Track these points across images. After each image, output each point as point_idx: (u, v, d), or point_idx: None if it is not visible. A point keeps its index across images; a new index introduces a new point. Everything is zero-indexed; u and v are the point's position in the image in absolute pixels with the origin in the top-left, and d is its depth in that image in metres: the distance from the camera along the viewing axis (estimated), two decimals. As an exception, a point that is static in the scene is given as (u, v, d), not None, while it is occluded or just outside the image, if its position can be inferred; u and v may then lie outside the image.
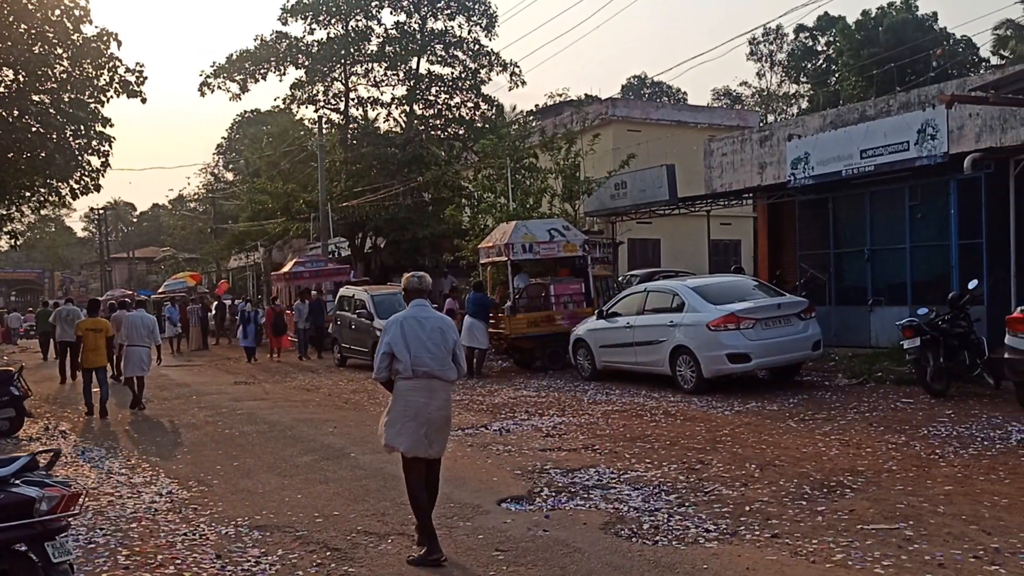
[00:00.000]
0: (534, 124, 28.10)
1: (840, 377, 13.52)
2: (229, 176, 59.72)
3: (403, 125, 33.56)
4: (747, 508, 6.67)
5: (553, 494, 7.45)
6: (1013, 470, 7.44)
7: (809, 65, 49.15)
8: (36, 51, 11.80)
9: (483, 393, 14.43)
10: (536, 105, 40.64)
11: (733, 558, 5.55)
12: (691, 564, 5.47)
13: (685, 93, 59.54)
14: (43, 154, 12.29)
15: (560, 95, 54.95)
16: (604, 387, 14.09)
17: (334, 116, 33.62)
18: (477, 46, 33.27)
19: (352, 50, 32.43)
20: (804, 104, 48.61)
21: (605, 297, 18.34)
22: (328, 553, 6.13)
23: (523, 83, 34.21)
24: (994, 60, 39.65)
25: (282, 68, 32.87)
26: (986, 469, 7.52)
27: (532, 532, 6.33)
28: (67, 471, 9.45)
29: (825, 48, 48.26)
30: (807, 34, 49.00)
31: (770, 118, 45.98)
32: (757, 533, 6.05)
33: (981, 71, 18.58)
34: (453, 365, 6.21)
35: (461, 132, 32.87)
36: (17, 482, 4.47)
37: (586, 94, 35.70)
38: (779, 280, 17.95)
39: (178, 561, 6.05)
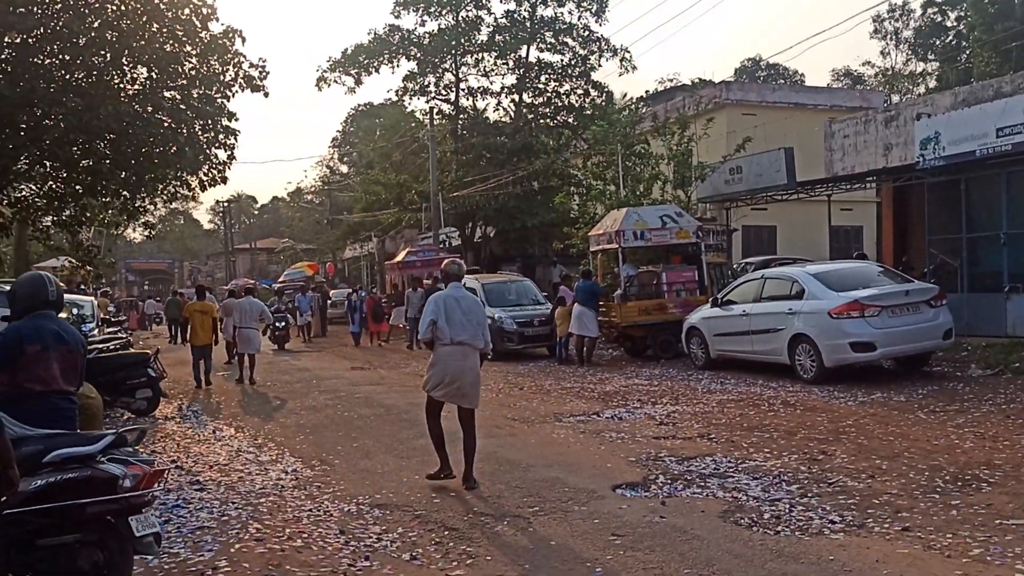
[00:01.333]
0: (645, 110, 27.71)
1: (973, 368, 12.85)
2: (344, 169, 61.38)
3: (512, 114, 33.71)
4: (875, 500, 6.42)
5: (669, 481, 7.36)
6: None
7: (938, 42, 46.85)
8: (167, 49, 12.33)
9: (594, 381, 14.38)
10: (647, 91, 40.15)
11: (861, 550, 5.35)
12: (816, 555, 5.30)
13: (802, 75, 57.63)
14: (174, 148, 12.83)
15: (671, 80, 54.13)
16: (718, 376, 13.83)
17: (445, 107, 34.06)
18: (587, 32, 33.04)
19: (462, 40, 32.73)
20: (932, 83, 46.38)
21: (719, 285, 17.99)
22: (446, 532, 6.23)
23: (634, 68, 33.75)
24: None
25: (395, 61, 33.45)
26: None
27: (648, 518, 6.27)
28: (200, 448, 9.93)
29: (955, 24, 45.88)
30: (935, 9, 46.70)
31: (894, 98, 44.01)
32: (886, 526, 5.81)
33: None
34: (481, 336, 7.68)
35: (570, 120, 32.76)
36: (103, 459, 4.70)
37: (699, 78, 35.06)
38: (905, 267, 17.22)
39: (304, 535, 6.26)
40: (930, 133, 15.60)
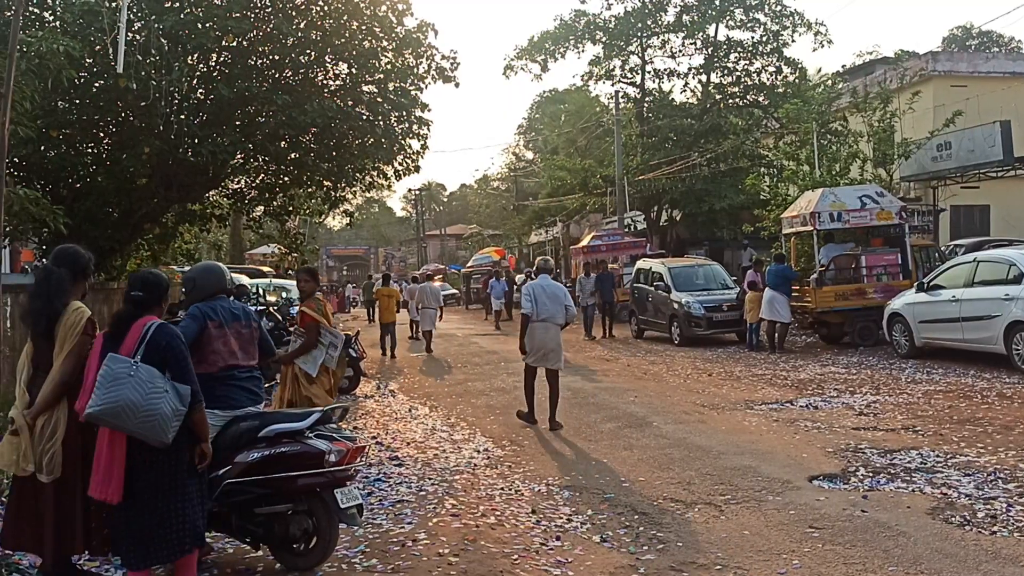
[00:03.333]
0: (842, 85, 26.28)
1: None
2: (529, 155, 62.20)
3: (700, 95, 32.96)
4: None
5: (870, 475, 7.03)
6: None
7: None
8: (366, 45, 12.94)
9: (787, 368, 13.92)
10: (843, 65, 38.00)
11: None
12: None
13: (1020, 42, 52.66)
14: (372, 140, 13.45)
15: (871, 52, 50.94)
16: (924, 365, 13.01)
17: (630, 90, 33.80)
18: (779, 6, 31.73)
19: (648, 22, 32.31)
20: None
21: (925, 268, 16.87)
22: (636, 516, 6.25)
23: (829, 42, 32.12)
24: None
25: (580, 46, 33.52)
26: None
27: (848, 512, 6.02)
28: (398, 425, 10.45)
29: None
30: None
31: None
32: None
33: None
34: (563, 313, 9.86)
35: (761, 99, 31.63)
36: (311, 435, 5.01)
37: (902, 49, 32.72)
38: None
39: (497, 512, 6.47)
40: None
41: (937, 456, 7.49)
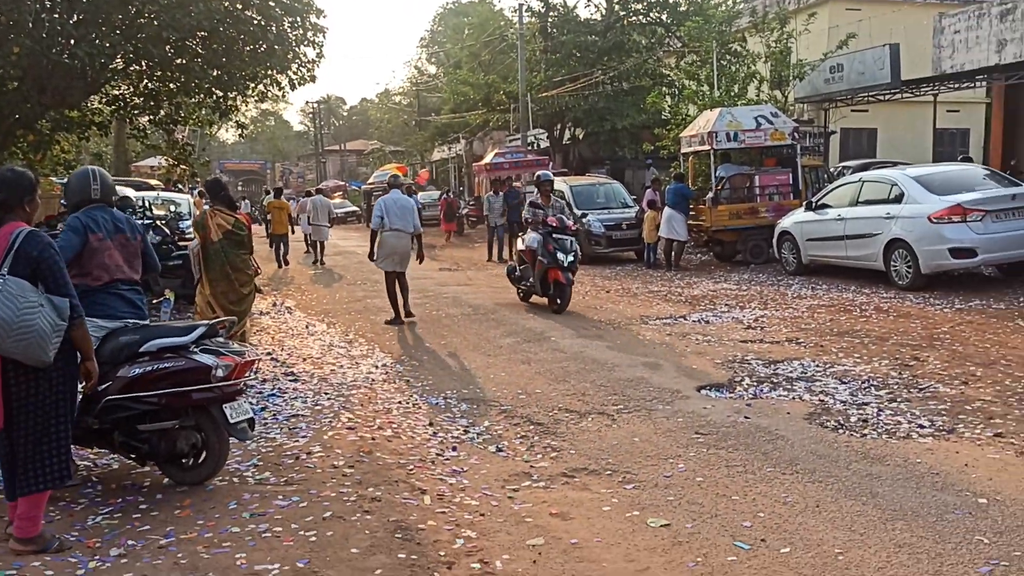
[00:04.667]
0: (743, 5, 26.50)
1: (1082, 277, 12.28)
2: (432, 69, 60.93)
3: (603, 11, 32.70)
4: (967, 407, 6.29)
5: (755, 384, 7.34)
6: None
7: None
8: (256, -57, 12.28)
9: (681, 285, 14.29)
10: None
11: (950, 454, 5.28)
12: (902, 458, 5.26)
13: (913, -34, 53.82)
14: (264, 46, 12.88)
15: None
16: (810, 281, 13.56)
17: (534, 3, 33.21)
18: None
19: (553, -66, 31.65)
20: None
21: (814, 188, 17.43)
22: (531, 427, 6.39)
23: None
24: None
25: (484, -44, 32.66)
26: None
27: (733, 418, 6.29)
28: (294, 342, 10.33)
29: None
30: None
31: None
32: (977, 432, 5.71)
33: None
34: (411, 225, 11.18)
35: (664, 17, 31.62)
36: (196, 350, 4.89)
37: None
38: (1014, 170, 16.36)
39: (394, 425, 6.51)
40: (1052, 26, 14.53)
41: (817, 366, 7.86)
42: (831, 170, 20.43)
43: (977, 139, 26.89)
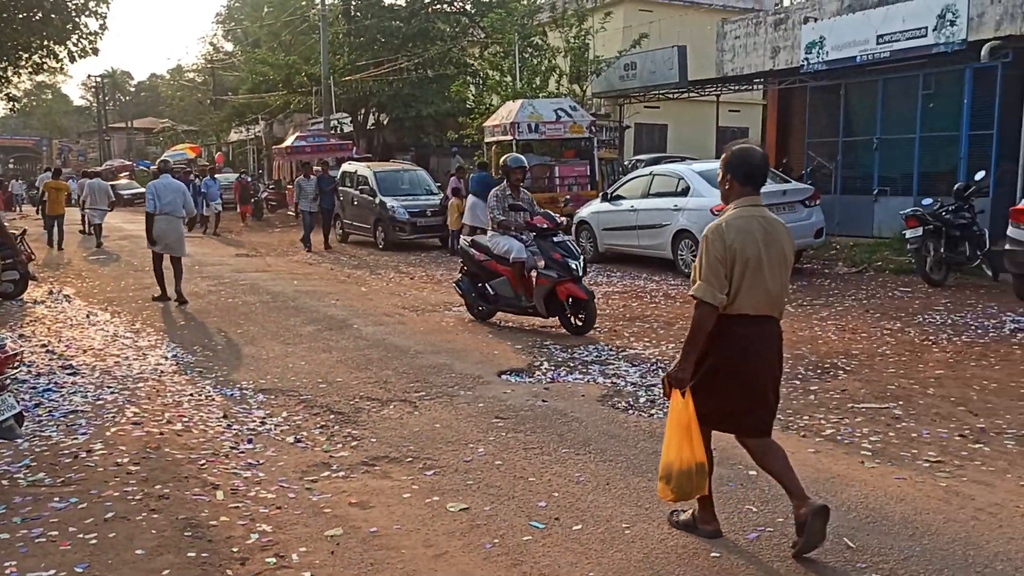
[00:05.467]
0: (543, 1, 27.22)
1: (840, 265, 13.59)
2: (229, 46, 58.28)
3: (408, -3, 32.56)
4: (742, 386, 6.80)
5: (552, 368, 7.59)
6: (1005, 357, 7.56)
7: (830, -54, 47.33)
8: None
9: (484, 271, 14.52)
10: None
11: (726, 431, 5.70)
12: (685, 435, 5.61)
13: (700, -27, 57.26)
14: (39, 15, 11.92)
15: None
16: (606, 269, 14.17)
17: (337, -15, 32.57)
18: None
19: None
20: (822, -12, 47.00)
21: (610, 180, 18.22)
22: (332, 416, 6.29)
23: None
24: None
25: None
26: (978, 355, 7.65)
27: (531, 402, 6.48)
28: (73, 332, 9.61)
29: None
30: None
31: (786, 1, 44.52)
32: (750, 409, 6.18)
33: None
34: (183, 209, 11.38)
35: (468, 7, 31.88)
36: None
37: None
38: (786, 168, 17.80)
39: (185, 419, 6.21)
40: (815, 37, 15.97)
41: (610, 350, 8.24)
42: (625, 163, 21.43)
43: (756, 137, 29.06)
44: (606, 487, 4.75)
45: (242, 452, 5.52)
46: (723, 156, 4.01)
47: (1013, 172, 12.96)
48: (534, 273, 9.13)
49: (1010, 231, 10.07)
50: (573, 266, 8.85)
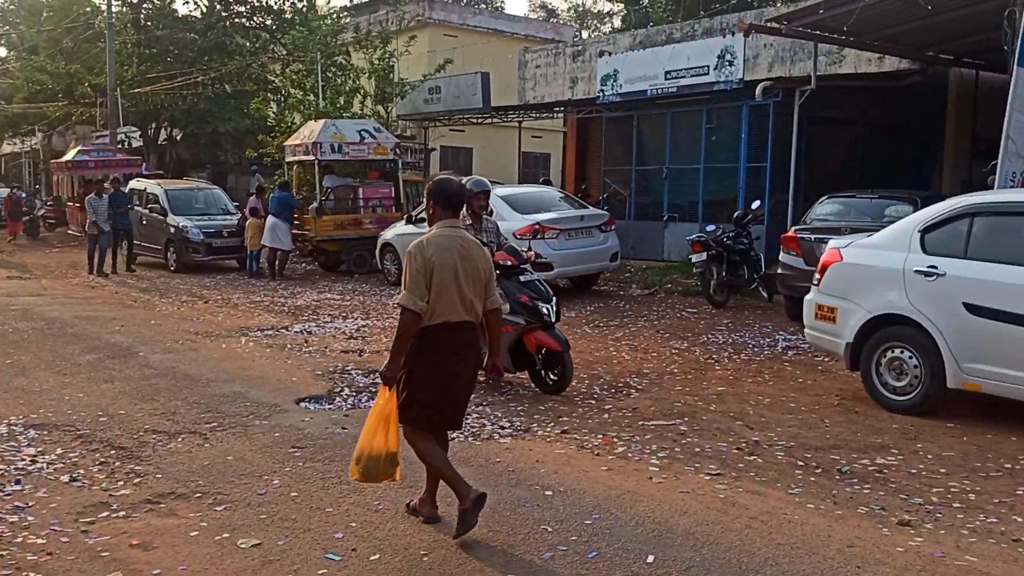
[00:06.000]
0: (347, 20, 26.95)
1: (634, 288, 14.27)
2: (2, 51, 53.65)
3: (204, 9, 31.26)
4: (540, 407, 6.97)
5: (353, 394, 7.46)
6: (777, 373, 8.20)
7: (624, -16, 49.83)
8: None
9: (285, 295, 14.13)
10: (350, 0, 38.90)
11: (524, 451, 5.81)
12: (485, 457, 5.68)
13: (503, 2, 58.99)
14: None
15: (376, -8, 52.95)
16: (409, 291, 14.12)
17: (126, -8, 30.74)
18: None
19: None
20: (617, 23, 49.47)
21: (415, 202, 18.25)
22: (112, 451, 5.86)
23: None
24: (791, -5, 41.81)
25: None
26: (754, 372, 8.24)
27: (330, 430, 6.33)
28: None
29: (640, -31, 49.01)
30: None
31: (584, 34, 46.57)
32: (548, 429, 6.35)
33: (778, 3, 19.74)
34: None
35: (268, 22, 31.03)
36: None
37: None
38: (584, 194, 18.56)
39: (-61, 461, 5.59)
40: (609, 71, 16.80)
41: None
42: (430, 186, 21.50)
43: (557, 163, 30.09)
44: (404, 515, 4.70)
45: (8, 495, 5.03)
46: (427, 186, 4.60)
47: (785, 202, 14.11)
48: None
49: (782, 256, 10.96)
50: (544, 311, 7.34)
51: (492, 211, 11.58)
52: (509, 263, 7.55)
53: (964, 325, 6.21)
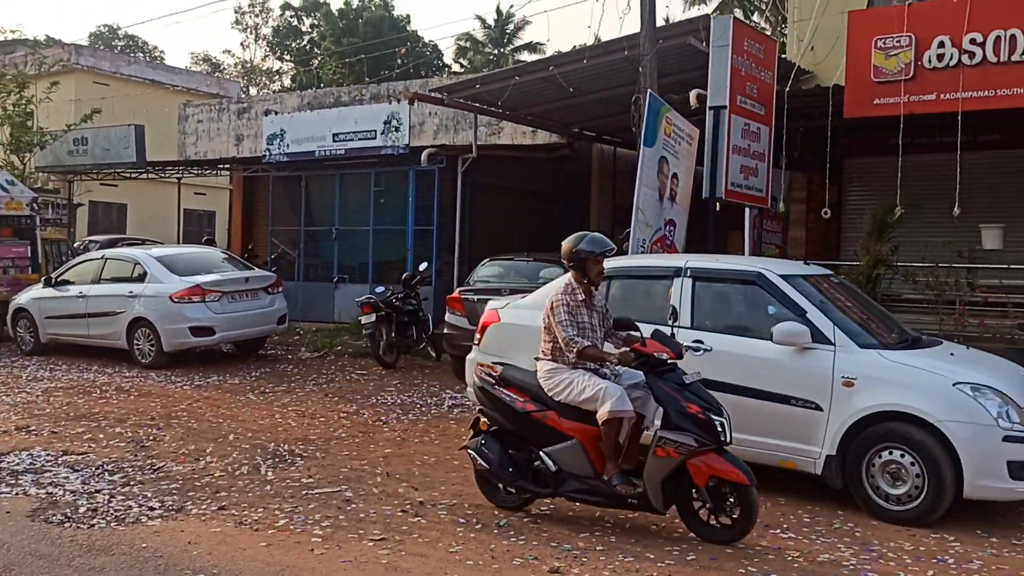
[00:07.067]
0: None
1: (303, 351, 13.97)
2: None
3: None
4: (197, 483, 6.52)
5: (-17, 483, 6.48)
6: (443, 432, 8.39)
7: (293, 44, 49.67)
8: None
9: None
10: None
11: (175, 533, 5.37)
12: (129, 544, 5.16)
13: (163, 52, 56.22)
14: None
15: (13, 31, 47.97)
16: (48, 362, 12.70)
17: None
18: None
19: None
20: (288, 82, 49.05)
21: (57, 263, 16.52)
22: None
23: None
24: (456, 67, 44.22)
25: None
26: (421, 432, 8.37)
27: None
28: None
29: (309, 30, 49.15)
30: (292, 13, 49.41)
31: (252, 91, 45.63)
32: (204, 507, 5.93)
33: (443, 76, 20.77)
34: None
35: None
36: None
37: (46, 35, 31.44)
38: (251, 254, 17.99)
39: None
40: (276, 130, 16.59)
41: (48, 455, 7.31)
42: (76, 244, 19.68)
43: (223, 221, 28.90)
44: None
45: None
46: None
47: (451, 263, 14.67)
48: (645, 435, 5.57)
49: (447, 317, 11.33)
50: (718, 426, 5.13)
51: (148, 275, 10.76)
52: (665, 356, 5.31)
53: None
